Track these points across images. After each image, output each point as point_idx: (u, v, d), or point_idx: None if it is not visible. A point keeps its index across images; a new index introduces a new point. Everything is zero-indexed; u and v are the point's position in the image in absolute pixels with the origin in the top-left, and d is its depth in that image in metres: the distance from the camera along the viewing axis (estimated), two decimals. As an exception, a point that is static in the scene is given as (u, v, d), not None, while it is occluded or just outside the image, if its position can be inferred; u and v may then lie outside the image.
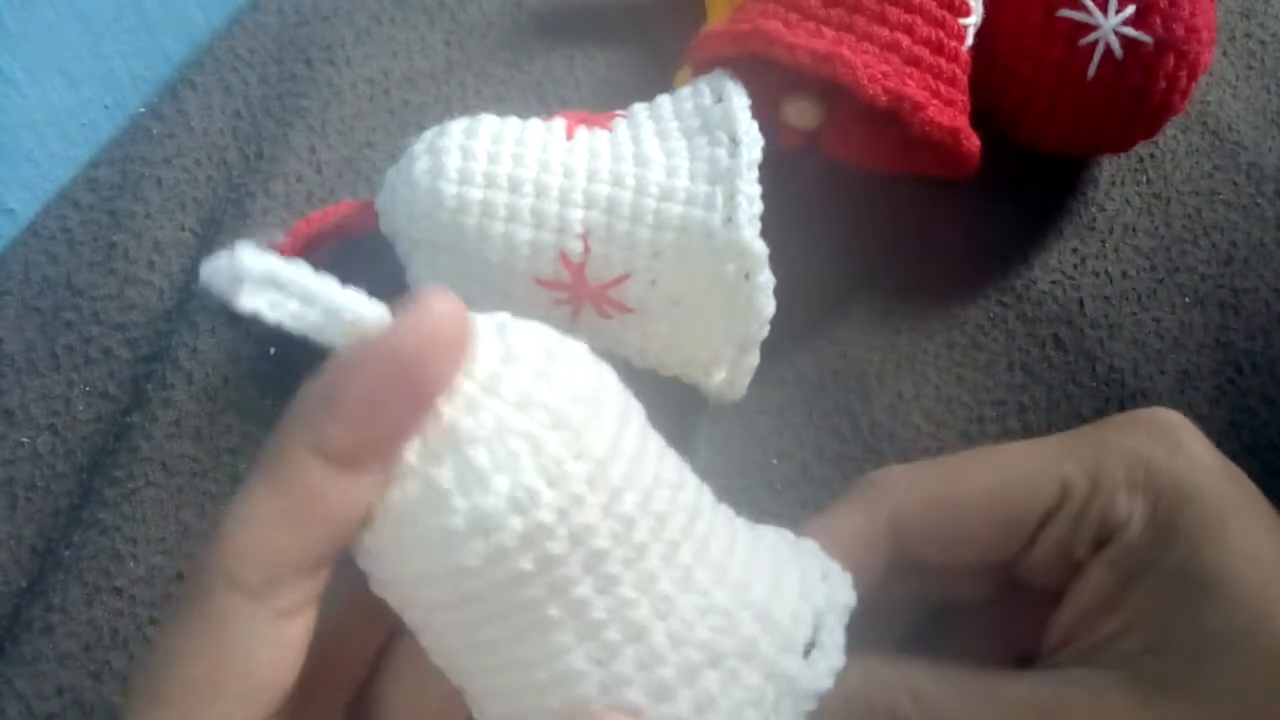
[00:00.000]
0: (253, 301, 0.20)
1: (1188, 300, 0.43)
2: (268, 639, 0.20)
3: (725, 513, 0.25)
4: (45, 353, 0.38)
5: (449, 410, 0.21)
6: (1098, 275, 0.43)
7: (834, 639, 0.23)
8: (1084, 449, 0.27)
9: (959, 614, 0.30)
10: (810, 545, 0.26)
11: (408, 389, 0.20)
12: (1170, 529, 0.25)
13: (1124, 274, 0.43)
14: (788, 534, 0.26)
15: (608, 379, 0.23)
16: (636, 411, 0.23)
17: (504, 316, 0.23)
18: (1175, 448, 0.26)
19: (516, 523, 0.20)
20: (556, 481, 0.20)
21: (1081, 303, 0.42)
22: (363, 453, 0.20)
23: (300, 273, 0.20)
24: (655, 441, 0.23)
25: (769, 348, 0.34)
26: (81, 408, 0.37)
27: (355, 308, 0.20)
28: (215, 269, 0.20)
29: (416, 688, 0.24)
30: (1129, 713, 0.23)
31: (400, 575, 0.21)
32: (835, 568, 0.25)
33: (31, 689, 0.32)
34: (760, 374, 0.35)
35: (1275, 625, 0.23)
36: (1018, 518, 0.27)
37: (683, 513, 0.22)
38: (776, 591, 0.23)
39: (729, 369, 0.35)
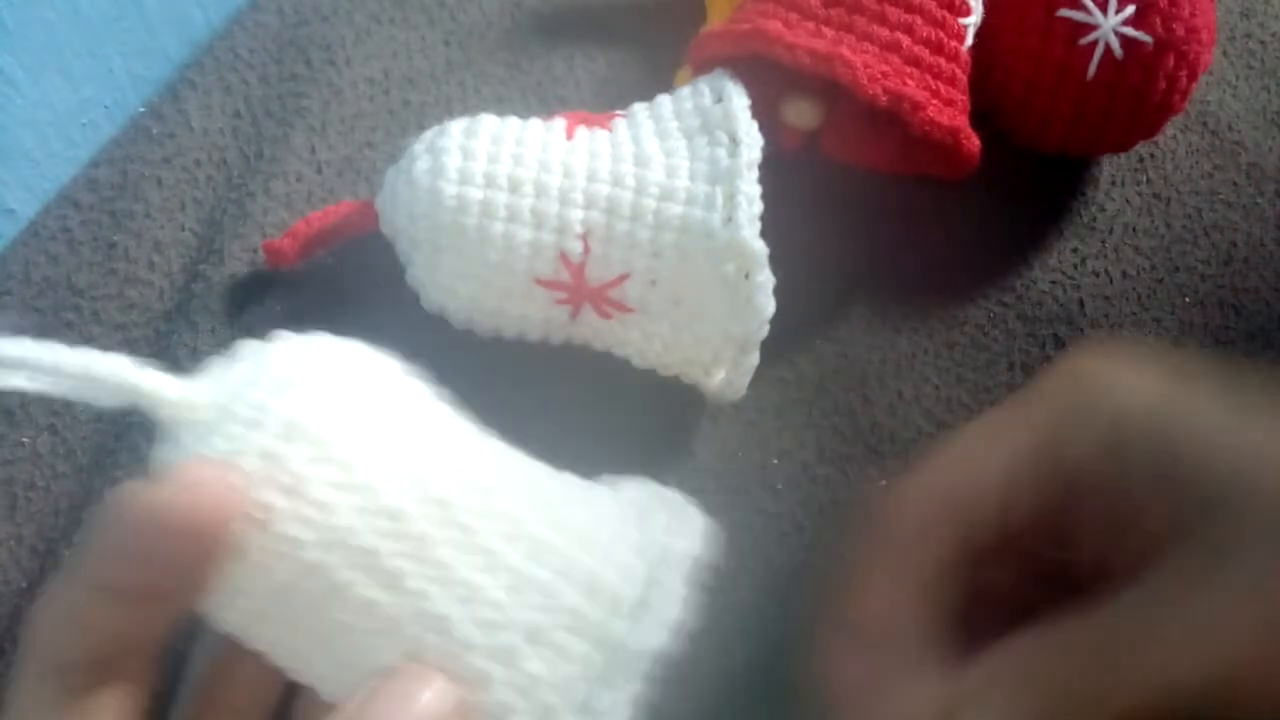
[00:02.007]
0: (11, 381, 0.21)
1: (1188, 300, 0.43)
2: (62, 714, 0.21)
3: (551, 478, 0.24)
4: (45, 353, 0.38)
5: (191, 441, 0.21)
6: (1098, 275, 0.43)
7: (667, 592, 0.22)
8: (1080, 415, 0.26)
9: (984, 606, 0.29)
10: (672, 496, 0.26)
11: (175, 556, 0.20)
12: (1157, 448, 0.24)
13: (1124, 274, 0.43)
14: (652, 485, 0.26)
15: (369, 369, 0.23)
16: (404, 395, 0.23)
17: (278, 335, 0.23)
18: (1113, 382, 0.25)
19: (259, 538, 0.20)
20: (292, 492, 0.20)
21: (1081, 303, 0.42)
22: (142, 594, 0.20)
23: (20, 347, 0.21)
24: (433, 421, 0.23)
25: (769, 348, 0.34)
26: (81, 408, 0.37)
27: (91, 367, 0.21)
28: None
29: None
30: (1187, 599, 0.22)
31: None
32: (689, 515, 0.25)
33: (31, 689, 0.32)
34: (760, 374, 0.35)
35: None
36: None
37: (475, 493, 0.22)
38: (608, 555, 0.23)
39: (729, 369, 0.35)
